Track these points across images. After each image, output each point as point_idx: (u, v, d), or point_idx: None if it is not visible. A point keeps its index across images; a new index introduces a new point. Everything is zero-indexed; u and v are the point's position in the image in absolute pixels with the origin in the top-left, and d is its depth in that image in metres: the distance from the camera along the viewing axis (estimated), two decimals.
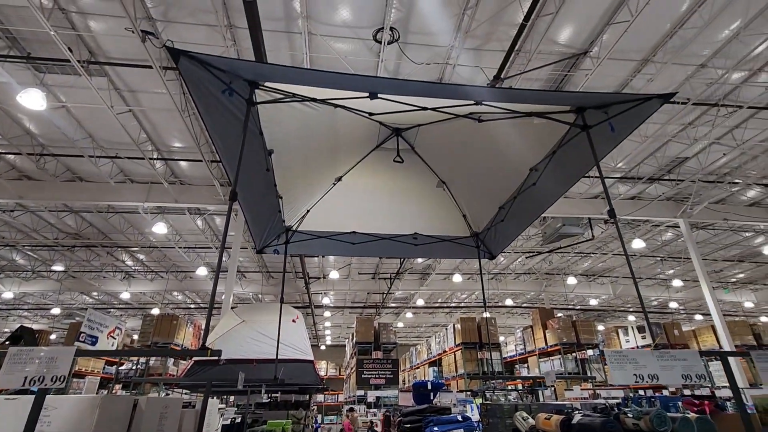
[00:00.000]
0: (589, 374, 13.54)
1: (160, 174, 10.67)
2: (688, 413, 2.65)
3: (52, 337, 17.59)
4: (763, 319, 23.66)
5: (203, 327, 17.05)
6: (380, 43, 7.08)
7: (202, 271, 16.81)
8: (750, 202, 13.13)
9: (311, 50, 7.35)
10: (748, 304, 21.85)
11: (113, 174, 11.00)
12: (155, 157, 10.49)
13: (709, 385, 11.76)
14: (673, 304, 23.12)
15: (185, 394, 9.48)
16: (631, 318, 25.27)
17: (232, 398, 10.06)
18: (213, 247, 15.69)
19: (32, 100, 7.09)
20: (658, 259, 17.92)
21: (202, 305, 24.09)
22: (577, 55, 7.72)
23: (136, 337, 15.60)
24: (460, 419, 6.24)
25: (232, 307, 10.52)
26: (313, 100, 3.27)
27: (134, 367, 13.61)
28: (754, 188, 12.35)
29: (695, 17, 6.97)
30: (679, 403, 3.53)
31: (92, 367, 13.42)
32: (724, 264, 18.32)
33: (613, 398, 8.47)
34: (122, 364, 13.72)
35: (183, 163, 10.98)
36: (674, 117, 9.16)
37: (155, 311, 22.52)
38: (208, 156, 10.11)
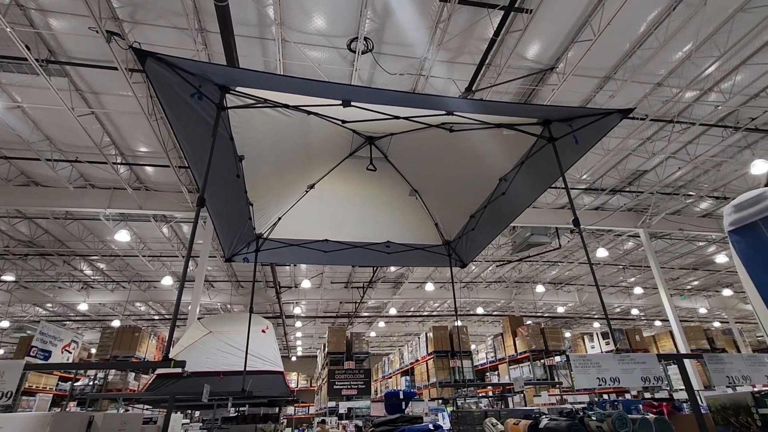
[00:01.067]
0: (556, 380, 13.87)
1: (123, 179, 10.25)
2: (648, 415, 2.75)
3: (0, 351, 16.41)
4: (716, 324, 25.03)
5: (167, 339, 16.34)
6: (354, 52, 7.13)
7: (167, 281, 16.17)
8: (703, 213, 13.95)
9: (285, 57, 7.31)
10: (702, 310, 23.10)
11: (72, 179, 10.48)
12: (119, 161, 10.08)
13: (668, 388, 12.28)
14: (634, 311, 24.11)
15: (146, 409, 9.03)
16: (596, 325, 26.15)
17: (197, 413, 9.66)
18: (179, 255, 15.16)
19: None
20: (621, 267, 18.69)
21: (166, 316, 23.14)
22: (544, 71, 8.04)
23: (94, 350, 14.78)
24: (432, 428, 6.25)
25: (198, 318, 10.17)
26: (286, 106, 3.25)
27: (91, 383, 12.85)
28: (706, 200, 13.13)
29: (652, 38, 7.42)
30: (640, 406, 3.69)
31: (44, 384, 12.58)
32: (681, 272, 19.31)
33: (579, 403, 8.71)
34: (78, 380, 12.92)
35: (149, 169, 10.60)
36: (634, 132, 9.66)
37: (116, 323, 21.50)
38: (176, 161, 9.81)
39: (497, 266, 18.12)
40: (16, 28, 6.23)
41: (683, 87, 8.46)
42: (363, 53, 7.18)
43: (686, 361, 3.57)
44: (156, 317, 23.27)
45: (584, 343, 17.75)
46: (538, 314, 24.49)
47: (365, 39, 7.00)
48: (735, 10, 6.97)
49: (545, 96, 8.45)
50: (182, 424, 6.15)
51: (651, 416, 2.61)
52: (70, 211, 12.09)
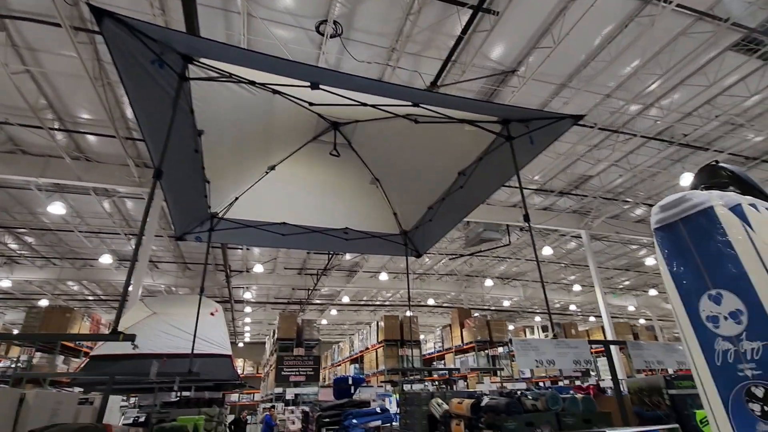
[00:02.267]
0: (499, 368, 14.66)
1: (61, 147, 9.43)
2: (577, 395, 3.03)
3: None
4: (641, 321, 27.48)
5: (104, 321, 15.41)
6: (323, 35, 7.02)
7: (105, 259, 15.19)
8: (637, 219, 15.17)
9: (249, 32, 7.05)
10: (631, 308, 25.24)
11: (1, 142, 9.52)
12: (56, 127, 9.28)
13: (597, 377, 13.37)
14: (572, 307, 25.86)
15: (79, 392, 8.52)
16: (537, 318, 27.77)
17: (133, 399, 9.25)
18: (121, 233, 14.27)
19: None
20: (563, 265, 19.93)
21: (102, 297, 21.75)
22: (506, 73, 8.35)
23: (17, 331, 13.65)
24: (378, 411, 6.43)
25: (140, 299, 9.69)
26: (252, 83, 3.18)
27: (13, 365, 11.87)
28: (641, 207, 14.29)
29: (605, 52, 7.91)
30: (571, 390, 4.06)
31: None
32: (615, 272, 20.94)
33: (518, 389, 9.28)
34: None
35: (91, 138, 9.84)
36: (583, 138, 10.29)
37: (44, 303, 19.91)
38: (123, 132, 9.20)
39: (450, 259, 18.69)
40: None
41: (629, 100, 9.11)
42: (332, 37, 7.08)
43: (612, 351, 3.92)
44: (90, 298, 21.80)
45: (525, 335, 18.92)
46: (485, 307, 25.59)
47: (335, 23, 6.90)
48: (678, 33, 7.59)
49: (505, 97, 8.77)
50: (120, 407, 5.89)
51: (579, 396, 2.88)
52: None
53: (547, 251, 15.13)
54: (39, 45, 7.33)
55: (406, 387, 13.14)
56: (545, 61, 7.58)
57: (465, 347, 16.19)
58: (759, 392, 1.35)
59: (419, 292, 21.64)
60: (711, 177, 2.67)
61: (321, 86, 3.07)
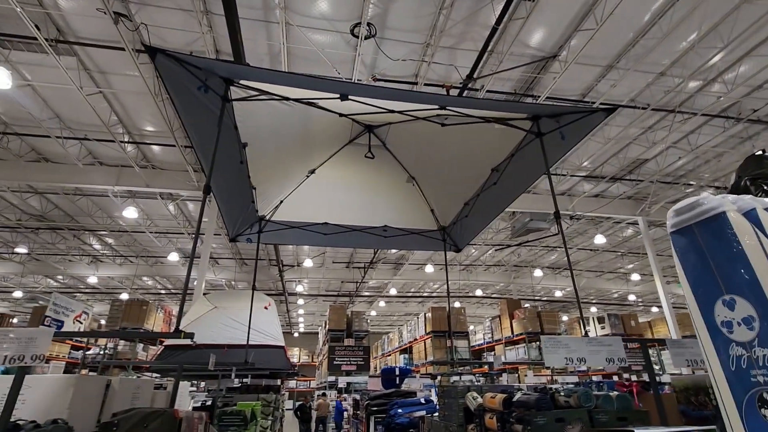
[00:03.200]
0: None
1: (131, 157, 10.46)
2: (613, 392, 3.01)
3: (14, 321, 17.05)
4: None
5: (174, 313, 16.89)
6: (357, 37, 7.19)
7: (173, 257, 16.59)
8: None
9: (289, 41, 7.38)
10: None
11: (81, 156, 10.71)
12: (126, 140, 10.28)
13: (661, 372, 12.64)
14: (631, 297, 24.43)
15: (155, 377, 9.51)
16: (593, 309, 26.55)
17: (203, 383, 10.16)
18: (185, 232, 15.50)
19: None
20: (619, 254, 18.88)
21: (173, 291, 23.75)
22: (547, 59, 8.06)
23: (103, 322, 15.35)
24: (423, 402, 6.63)
25: (204, 294, 10.55)
26: (287, 99, 3.42)
27: (101, 352, 13.41)
28: (707, 190, 13.18)
29: (656, 28, 7.40)
30: (614, 386, 3.98)
31: (57, 352, 13.18)
32: None
33: (568, 383, 9.08)
34: (89, 349, 13.50)
35: (155, 148, 10.80)
36: (635, 121, 9.69)
37: (124, 296, 22.10)
38: (182, 141, 10.00)
39: (496, 250, 18.37)
40: (26, 8, 6.35)
41: (686, 77, 8.45)
42: (366, 38, 7.23)
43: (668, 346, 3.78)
44: (162, 291, 23.89)
45: (581, 326, 18.15)
46: (536, 298, 24.87)
47: (368, 24, 7.04)
48: (740, 1, 6.93)
49: (547, 83, 8.47)
50: (189, 392, 6.55)
51: (614, 393, 2.87)
52: (80, 187, 12.37)
53: (599, 240, 14.42)
54: (107, 68, 8.16)
55: (455, 378, 13.24)
56: (588, 44, 7.22)
57: (515, 339, 15.93)
58: None
59: (466, 283, 21.47)
60: (756, 167, 2.54)
61: (350, 97, 3.25)
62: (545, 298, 25.26)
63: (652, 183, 12.44)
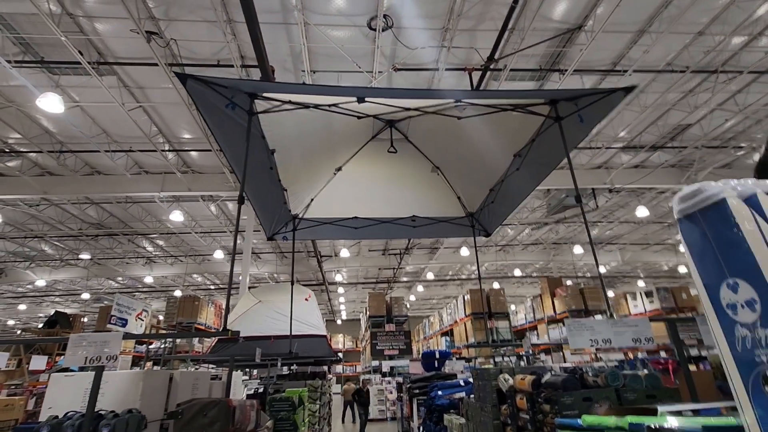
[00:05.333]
0: None
1: (172, 164, 11.14)
2: (643, 371, 3.04)
3: (84, 320, 18.73)
4: None
5: (223, 306, 17.94)
6: (375, 30, 7.24)
7: (218, 254, 17.53)
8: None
9: (309, 40, 7.55)
10: None
11: (129, 167, 11.51)
12: (167, 148, 10.93)
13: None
14: (682, 269, 23.26)
15: (211, 368, 10.27)
16: (641, 283, 25.52)
17: (255, 372, 10.85)
18: (227, 231, 16.33)
19: (51, 103, 7.51)
20: (666, 225, 18.00)
21: (221, 286, 25.12)
22: (572, 30, 7.76)
23: (161, 317, 16.56)
24: (462, 383, 6.81)
25: (249, 288, 11.17)
26: (307, 106, 3.61)
27: (162, 346, 14.56)
28: (760, 150, 12.27)
29: None
30: (649, 363, 3.96)
31: (124, 347, 14.41)
32: None
33: (611, 361, 8.96)
34: (151, 343, 14.69)
35: (193, 153, 11.41)
36: (674, 86, 9.16)
37: (177, 293, 23.63)
38: (217, 146, 10.49)
39: (533, 229, 18.03)
40: (69, 36, 6.89)
41: (728, 34, 7.87)
42: (383, 30, 7.27)
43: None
44: (212, 287, 25.33)
45: (627, 302, 17.49)
46: (579, 275, 24.23)
47: (384, 16, 7.07)
48: None
49: (574, 56, 8.17)
50: (242, 380, 7.07)
51: (642, 372, 2.91)
52: (130, 196, 13.29)
53: (642, 212, 13.82)
54: (144, 83, 8.70)
55: (498, 359, 13.29)
56: (617, 9, 6.88)
57: (558, 317, 15.69)
58: None
59: (504, 263, 21.26)
60: None
61: (366, 99, 3.39)
62: (588, 275, 24.56)
63: (697, 149, 11.75)
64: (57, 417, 2.74)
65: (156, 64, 7.52)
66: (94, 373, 2.51)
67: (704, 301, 1.72)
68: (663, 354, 11.07)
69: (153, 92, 8.97)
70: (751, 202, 1.57)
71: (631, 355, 11.57)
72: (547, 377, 3.07)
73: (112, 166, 11.36)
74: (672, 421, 1.79)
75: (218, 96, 3.15)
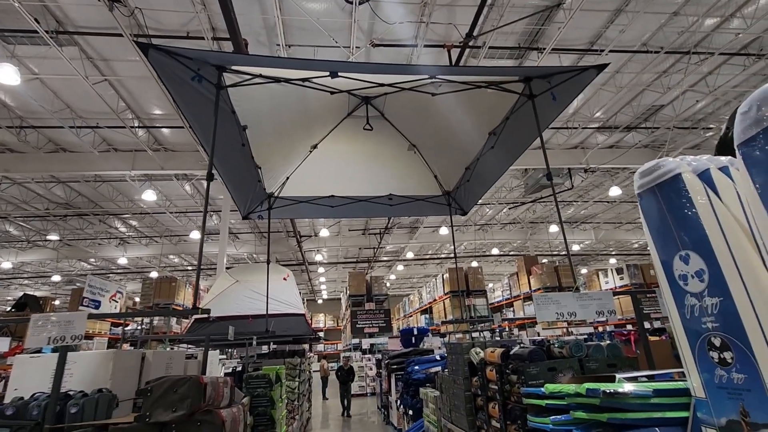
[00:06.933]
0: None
1: (143, 142, 10.73)
2: (605, 342, 3.18)
3: (56, 303, 18.27)
4: None
5: (202, 287, 17.75)
6: (352, 3, 7.03)
7: (195, 235, 17.21)
8: None
9: (283, 12, 7.27)
10: None
11: (96, 144, 11.03)
12: (136, 125, 10.50)
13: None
14: None
15: (189, 348, 10.22)
16: (613, 261, 26.49)
17: (235, 352, 10.86)
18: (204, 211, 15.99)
19: (6, 75, 7.06)
20: (637, 204, 18.57)
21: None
22: (551, 8, 7.72)
23: (138, 299, 16.29)
24: (438, 358, 7.00)
25: (226, 268, 11.05)
26: (278, 80, 3.50)
27: (139, 327, 14.37)
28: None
29: None
30: (613, 334, 4.15)
31: (99, 329, 14.16)
32: None
33: (581, 334, 9.35)
34: (128, 325, 14.47)
35: (165, 130, 11.00)
36: (648, 66, 9.30)
37: (154, 274, 23.20)
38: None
39: (510, 208, 18.33)
40: (23, 2, 6.43)
41: (702, 14, 7.99)
42: (360, 3, 7.06)
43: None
44: (189, 268, 24.95)
45: (599, 279, 18.20)
46: (554, 253, 24.93)
47: None
48: None
49: (552, 34, 8.14)
50: (219, 360, 7.07)
51: (605, 342, 3.04)
52: (99, 174, 12.80)
53: (615, 192, 14.21)
54: (109, 55, 8.25)
55: (475, 334, 13.66)
56: None
57: (533, 294, 16.18)
58: (716, 342, 1.50)
59: (483, 242, 21.64)
60: None
61: (339, 74, 3.31)
62: (563, 253, 25.28)
63: (669, 129, 12.05)
64: (23, 398, 2.68)
65: (120, 35, 7.13)
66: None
67: (659, 273, 1.80)
68: (630, 327, 11.61)
69: (119, 65, 8.53)
70: (705, 177, 1.63)
71: (600, 329, 12.11)
72: (515, 350, 3.18)
73: (78, 143, 10.87)
74: (627, 387, 1.89)
75: (183, 68, 3.02)
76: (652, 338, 4.38)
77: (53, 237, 17.20)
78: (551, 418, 2.18)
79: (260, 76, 3.43)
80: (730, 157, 1.63)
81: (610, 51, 8.58)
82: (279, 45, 7.85)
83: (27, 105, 9.52)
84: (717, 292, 1.47)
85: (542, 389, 2.34)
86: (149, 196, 12.81)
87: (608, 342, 3.10)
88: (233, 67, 3.27)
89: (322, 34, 7.57)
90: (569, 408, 2.04)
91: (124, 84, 9.18)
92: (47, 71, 8.45)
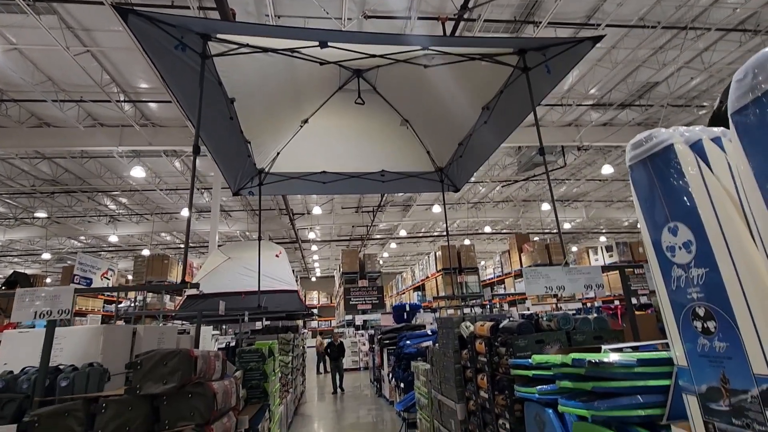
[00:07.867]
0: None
1: (129, 117, 10.46)
2: (592, 315, 3.24)
3: (48, 280, 18.14)
4: None
5: (195, 264, 17.72)
6: None
7: (186, 212, 17.04)
8: None
9: None
10: None
11: (81, 118, 10.73)
12: (122, 99, 10.20)
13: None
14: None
15: (183, 324, 10.27)
16: (603, 239, 26.83)
17: (230, 329, 10.95)
18: (197, 188, 15.79)
19: None
20: (628, 182, 18.69)
21: (191, 244, 24.68)
22: None
23: (130, 277, 16.25)
24: (430, 333, 7.12)
25: (218, 246, 11.01)
26: (266, 50, 3.38)
27: (132, 304, 14.38)
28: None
29: None
30: (600, 308, 4.24)
31: (92, 307, 14.16)
32: None
33: (571, 309, 9.54)
34: (121, 302, 14.47)
35: (152, 105, 10.72)
36: (644, 41, 9.16)
37: (145, 252, 23.09)
38: None
39: (503, 186, 18.36)
40: None
41: None
42: None
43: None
44: (182, 246, 24.84)
45: (589, 256, 18.50)
46: (546, 231, 25.16)
47: None
48: None
49: (548, 7, 7.95)
50: (212, 335, 7.12)
51: (593, 316, 3.09)
52: (85, 150, 12.52)
53: (607, 170, 14.26)
54: (91, 25, 7.92)
55: (467, 311, 13.90)
56: None
57: (523, 268, 16.41)
58: (701, 312, 1.51)
59: (476, 220, 21.74)
60: None
61: (329, 44, 3.20)
62: (555, 231, 25.53)
63: (663, 107, 12.01)
64: (12, 372, 2.68)
65: (101, 2, 6.83)
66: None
67: (647, 246, 1.80)
68: (617, 302, 11.87)
69: (101, 35, 8.21)
70: (697, 147, 1.61)
71: (588, 304, 12.37)
72: (504, 323, 3.22)
73: (62, 118, 10.56)
74: (612, 356, 1.93)
75: (166, 36, 2.89)
76: (638, 312, 4.48)
77: (41, 214, 16.94)
78: (537, 387, 2.23)
79: (247, 45, 3.31)
80: (723, 128, 1.61)
81: (607, 25, 8.42)
82: (268, 15, 7.59)
83: (6, 77, 9.18)
84: (703, 262, 1.48)
85: (529, 360, 2.39)
86: (138, 172, 12.60)
87: (595, 315, 3.16)
88: (219, 36, 3.15)
89: (312, 4, 7.32)
90: (555, 378, 2.08)
91: (108, 56, 8.86)
92: (25, 41, 8.11)
